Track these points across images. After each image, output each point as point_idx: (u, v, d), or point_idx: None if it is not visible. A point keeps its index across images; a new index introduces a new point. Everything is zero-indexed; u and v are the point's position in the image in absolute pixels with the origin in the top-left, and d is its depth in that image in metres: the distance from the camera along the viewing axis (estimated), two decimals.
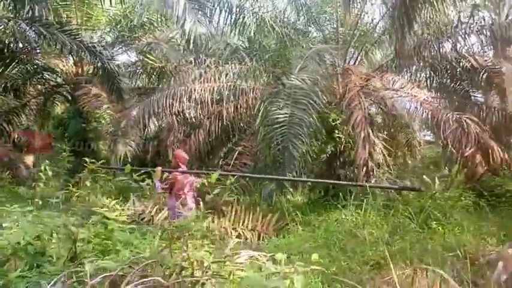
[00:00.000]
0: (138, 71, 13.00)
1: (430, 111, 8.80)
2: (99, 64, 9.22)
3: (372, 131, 7.78)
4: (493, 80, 11.92)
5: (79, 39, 8.73)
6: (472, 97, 13.02)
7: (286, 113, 6.93)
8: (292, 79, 7.43)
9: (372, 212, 5.96)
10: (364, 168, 7.16)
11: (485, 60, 11.88)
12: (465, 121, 8.34)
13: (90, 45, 8.81)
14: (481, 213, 7.44)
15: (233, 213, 7.08)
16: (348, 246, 4.79)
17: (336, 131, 8.39)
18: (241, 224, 6.96)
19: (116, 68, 9.31)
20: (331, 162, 8.98)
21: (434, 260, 4.03)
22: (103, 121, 11.60)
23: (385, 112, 9.09)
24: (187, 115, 11.01)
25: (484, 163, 8.67)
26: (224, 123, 9.93)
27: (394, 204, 6.21)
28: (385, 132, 8.90)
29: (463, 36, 10.11)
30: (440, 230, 5.49)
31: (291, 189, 7.88)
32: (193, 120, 10.92)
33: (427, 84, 12.82)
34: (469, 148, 8.59)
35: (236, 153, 8.42)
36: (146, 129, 15.69)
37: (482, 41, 11.55)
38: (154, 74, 12.64)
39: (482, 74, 12.02)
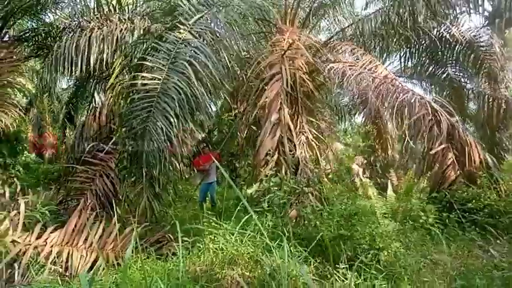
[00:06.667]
0: None
1: (390, 91, 6.44)
2: None
3: (298, 113, 5.40)
4: (483, 61, 9.67)
5: None
6: (457, 82, 10.75)
7: (157, 79, 4.57)
8: (182, 31, 5.05)
9: (258, 237, 3.66)
10: (267, 164, 4.82)
11: (474, 36, 9.61)
12: (433, 107, 6.05)
13: None
14: (448, 236, 5.22)
15: (75, 225, 4.77)
16: None
17: None
18: (81, 241, 4.65)
19: None
20: None
21: None
22: None
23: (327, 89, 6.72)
24: None
25: (458, 165, 6.38)
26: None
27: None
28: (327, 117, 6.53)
29: None
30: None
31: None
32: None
33: (400, 64, 10.51)
34: (439, 143, 6.32)
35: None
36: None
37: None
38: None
39: (470, 53, 9.79)
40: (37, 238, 4.60)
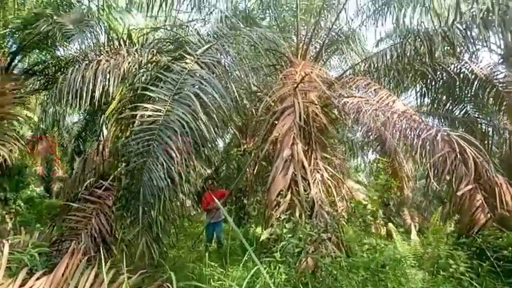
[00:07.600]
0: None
1: (411, 127, 6.02)
2: None
3: (311, 149, 4.97)
4: (504, 97, 9.25)
5: None
6: (476, 118, 10.29)
7: (159, 110, 4.22)
8: (188, 61, 4.77)
9: None
10: (279, 205, 4.35)
11: (493, 72, 9.27)
12: (460, 143, 5.59)
13: None
14: None
15: (65, 269, 4.27)
16: None
17: None
18: None
19: None
20: None
21: None
22: None
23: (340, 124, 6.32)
24: None
25: (488, 208, 5.81)
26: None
27: None
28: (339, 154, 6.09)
29: (463, 32, 7.38)
30: None
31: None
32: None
33: (416, 101, 10.11)
34: (466, 183, 5.78)
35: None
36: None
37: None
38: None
39: (490, 90, 9.39)
40: (20, 286, 4.11)
